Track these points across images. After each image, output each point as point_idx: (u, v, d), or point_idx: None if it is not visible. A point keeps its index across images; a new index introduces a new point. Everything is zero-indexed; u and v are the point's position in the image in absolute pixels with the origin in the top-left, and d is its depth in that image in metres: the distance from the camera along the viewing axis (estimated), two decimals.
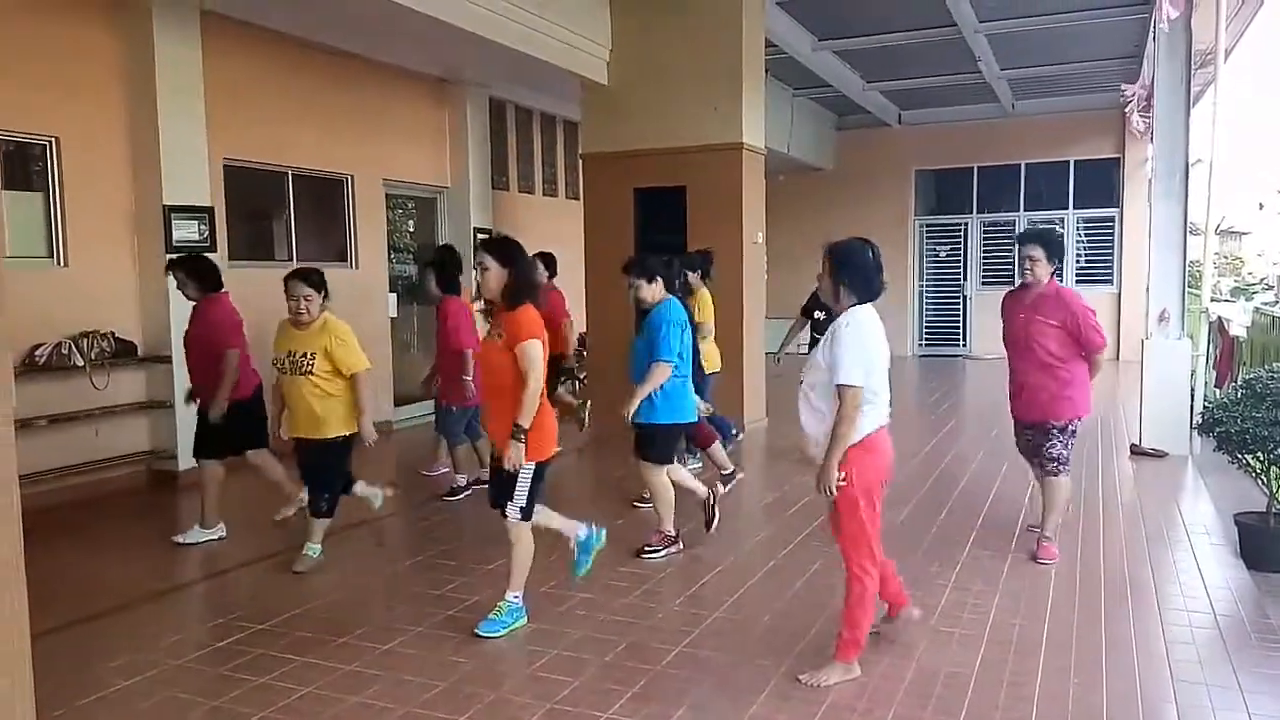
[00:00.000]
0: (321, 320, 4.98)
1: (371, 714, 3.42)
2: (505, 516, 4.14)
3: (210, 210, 7.39)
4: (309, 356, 4.88)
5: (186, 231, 7.18)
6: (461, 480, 6.70)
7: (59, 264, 6.76)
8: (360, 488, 5.46)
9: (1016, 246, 5.13)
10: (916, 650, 3.90)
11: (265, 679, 3.73)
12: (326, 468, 5.12)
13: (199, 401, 5.59)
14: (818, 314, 7.45)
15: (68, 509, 6.34)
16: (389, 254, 10.02)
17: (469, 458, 6.83)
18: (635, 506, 6.20)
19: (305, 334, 4.94)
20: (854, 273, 3.57)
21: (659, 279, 5.28)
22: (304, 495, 5.40)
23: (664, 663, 3.83)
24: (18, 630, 2.98)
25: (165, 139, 7.04)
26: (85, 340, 6.68)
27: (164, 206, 7.05)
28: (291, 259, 8.73)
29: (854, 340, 3.46)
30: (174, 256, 5.75)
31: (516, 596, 4.23)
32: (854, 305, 3.56)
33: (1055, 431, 5.03)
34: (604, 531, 4.63)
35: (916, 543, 5.41)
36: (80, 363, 6.62)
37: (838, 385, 3.44)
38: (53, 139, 6.68)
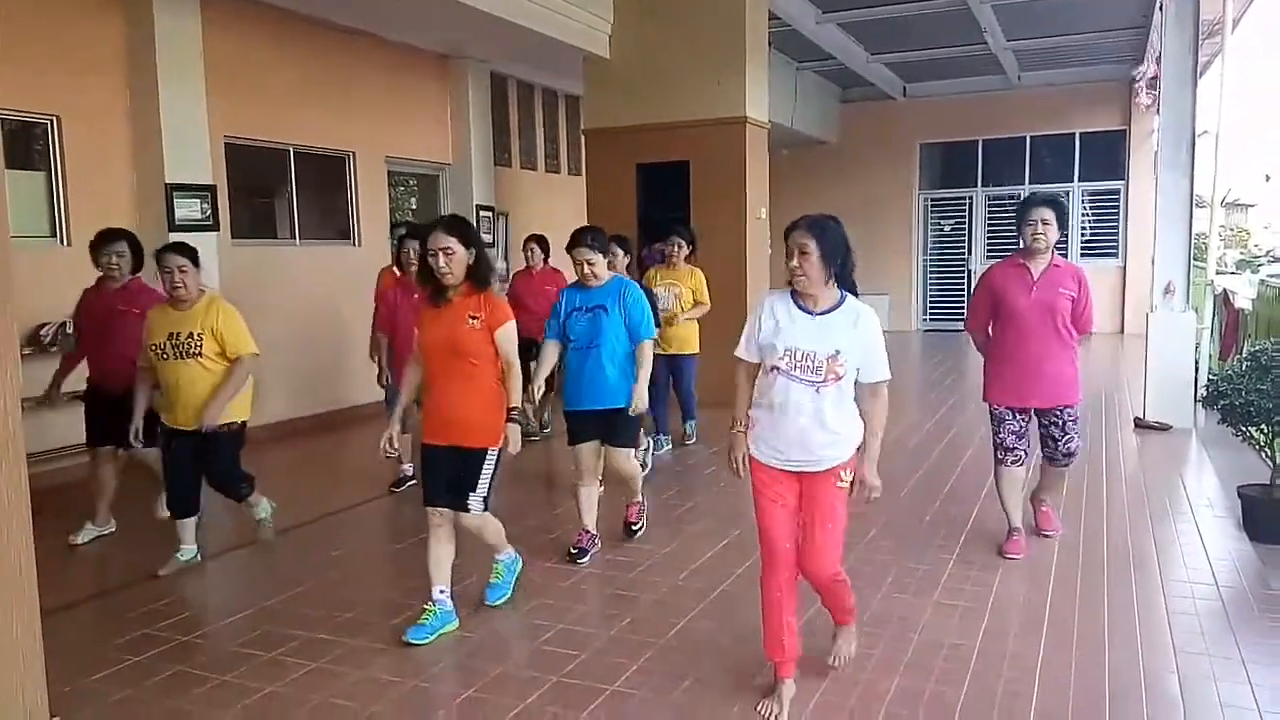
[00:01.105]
0: (206, 298, 4.63)
1: (379, 688, 3.46)
2: (467, 511, 3.90)
3: (212, 188, 7.38)
4: (195, 337, 4.52)
5: (188, 210, 7.18)
6: (409, 470, 6.24)
7: (62, 243, 6.76)
8: (254, 497, 5.03)
9: (1023, 210, 4.60)
10: (919, 623, 3.92)
11: (273, 654, 3.76)
12: (227, 458, 4.74)
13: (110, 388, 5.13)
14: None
15: (75, 487, 6.36)
16: (391, 231, 10.00)
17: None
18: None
19: (187, 314, 4.56)
20: (846, 253, 3.14)
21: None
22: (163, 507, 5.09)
23: (669, 636, 3.86)
24: (28, 606, 3.02)
25: (166, 117, 7.01)
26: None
27: (166, 185, 7.04)
28: (294, 237, 8.73)
29: (880, 332, 3.22)
30: (112, 229, 5.39)
31: (507, 552, 4.25)
32: (844, 295, 3.19)
33: (1073, 422, 4.73)
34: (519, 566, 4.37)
35: (919, 517, 5.44)
36: None
37: (882, 382, 3.22)
38: (54, 117, 6.66)
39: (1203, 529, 5.18)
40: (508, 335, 3.87)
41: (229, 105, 7.70)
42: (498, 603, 4.15)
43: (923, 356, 13.25)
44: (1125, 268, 15.22)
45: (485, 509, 3.96)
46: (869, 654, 3.64)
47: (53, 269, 6.61)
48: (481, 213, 10.62)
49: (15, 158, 6.66)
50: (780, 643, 3.24)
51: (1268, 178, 37.99)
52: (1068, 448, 4.76)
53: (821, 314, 3.15)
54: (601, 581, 4.51)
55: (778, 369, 3.14)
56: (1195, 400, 7.64)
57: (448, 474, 3.89)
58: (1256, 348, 5.41)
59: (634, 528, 5.16)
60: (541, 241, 7.92)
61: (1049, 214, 4.53)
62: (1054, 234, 4.55)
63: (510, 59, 10.93)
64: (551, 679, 3.48)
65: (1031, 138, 15.73)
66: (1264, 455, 5.25)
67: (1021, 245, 4.66)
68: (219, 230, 7.47)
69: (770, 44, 10.03)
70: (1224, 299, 9.46)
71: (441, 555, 3.95)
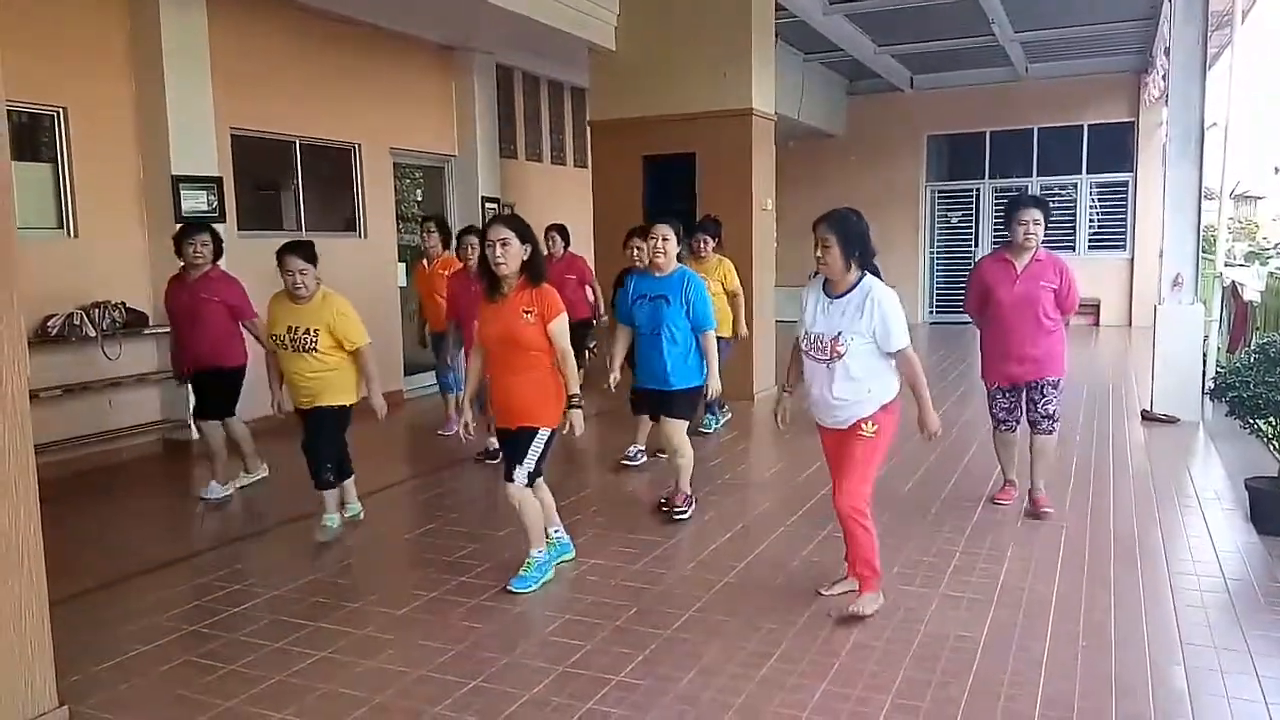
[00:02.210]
0: (320, 294, 4.90)
1: (386, 678, 3.47)
2: (512, 480, 4.17)
3: (218, 180, 7.39)
4: (312, 333, 4.83)
5: (195, 201, 7.19)
6: (494, 442, 6.32)
7: (69, 235, 6.77)
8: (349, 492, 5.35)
9: (1013, 210, 5.07)
10: (925, 614, 3.92)
11: (280, 643, 3.78)
12: (329, 439, 5.04)
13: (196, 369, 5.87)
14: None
15: (83, 478, 6.40)
16: (397, 223, 10.00)
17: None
18: (624, 465, 6.48)
19: (305, 308, 4.86)
20: (864, 243, 3.74)
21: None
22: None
23: (675, 626, 3.86)
24: (36, 596, 3.03)
25: (172, 109, 7.02)
26: (96, 310, 6.71)
27: (172, 176, 7.05)
28: (300, 229, 8.72)
29: (898, 307, 3.73)
30: (190, 220, 5.99)
31: (540, 551, 4.35)
32: (864, 274, 3.76)
33: (1051, 388, 5.16)
34: (563, 556, 4.58)
35: (926, 508, 5.43)
36: (92, 333, 6.65)
37: (900, 350, 3.74)
38: (61, 109, 6.67)
39: (1210, 521, 5.17)
40: (561, 328, 4.11)
41: (235, 97, 7.70)
42: (517, 590, 4.22)
43: (929, 349, 13.22)
44: (1133, 260, 15.16)
45: (530, 483, 4.20)
46: (874, 645, 3.64)
47: (59, 260, 6.64)
48: (487, 204, 10.62)
49: (22, 149, 6.67)
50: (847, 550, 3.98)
51: (1277, 170, 37.75)
52: (1046, 409, 5.19)
53: (838, 298, 3.77)
54: (608, 572, 4.51)
55: (804, 351, 3.87)
56: (1203, 393, 7.62)
57: (510, 446, 4.25)
58: (1265, 340, 5.40)
59: (678, 512, 5.25)
60: (562, 230, 8.29)
61: (1039, 214, 4.99)
62: (1042, 232, 5.02)
63: (516, 51, 10.91)
64: (558, 669, 3.49)
65: (1039, 130, 15.67)
66: (1272, 448, 5.24)
67: (1011, 241, 5.07)
68: (225, 222, 7.47)
69: (777, 35, 10.00)
70: (1232, 291, 9.42)
71: (535, 517, 4.30)
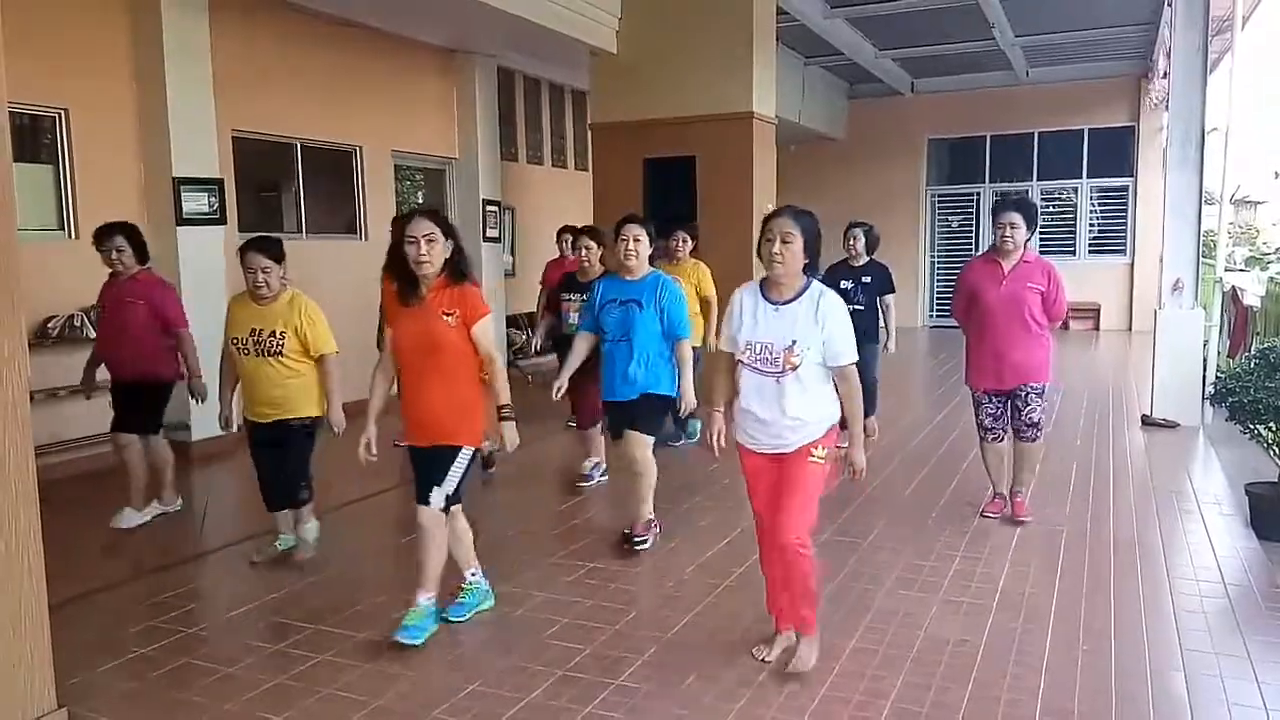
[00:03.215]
0: (288, 295, 4.54)
1: (384, 680, 3.46)
2: (427, 504, 3.72)
3: (220, 182, 7.39)
4: (278, 336, 4.46)
5: (196, 203, 7.19)
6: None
7: (70, 236, 6.77)
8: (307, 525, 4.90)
9: (994, 213, 5.10)
10: (924, 619, 3.92)
11: (280, 646, 3.78)
12: (299, 455, 4.67)
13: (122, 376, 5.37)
14: (845, 283, 6.78)
15: (83, 480, 6.39)
16: None
17: None
18: (579, 487, 6.05)
19: (269, 310, 4.49)
20: (820, 244, 3.39)
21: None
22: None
23: (674, 631, 3.86)
24: (36, 598, 3.03)
25: (174, 111, 7.02)
26: (97, 312, 6.69)
27: (173, 178, 7.05)
28: (301, 230, 8.74)
29: (848, 317, 3.38)
30: (111, 223, 5.44)
31: (475, 574, 4.03)
32: (810, 280, 3.40)
33: (1036, 395, 5.06)
34: (482, 605, 4.04)
35: (925, 513, 5.43)
36: (92, 335, 6.63)
37: (846, 366, 3.34)
38: (62, 111, 6.68)
39: (1210, 527, 5.16)
40: (485, 330, 3.73)
41: (236, 99, 7.71)
42: (457, 619, 3.91)
43: (929, 352, 13.23)
44: (1133, 264, 15.16)
45: (446, 509, 3.77)
46: (874, 650, 3.63)
47: (60, 262, 6.63)
48: (488, 207, 10.63)
49: (23, 151, 6.68)
50: (773, 600, 3.61)
51: (1277, 174, 37.74)
52: (1030, 418, 5.09)
53: (785, 304, 3.35)
54: (606, 576, 4.51)
55: (742, 363, 3.40)
56: (1203, 398, 7.61)
57: (427, 463, 3.79)
58: (1265, 345, 5.41)
59: (638, 540, 4.83)
60: (574, 231, 8.02)
61: (1017, 217, 4.96)
62: (1021, 235, 4.98)
63: (517, 53, 10.92)
64: (556, 673, 3.48)
65: (1039, 134, 15.67)
66: (1272, 453, 5.23)
67: (995, 243, 5.08)
68: (226, 224, 7.48)
69: (778, 39, 10.01)
70: (1233, 296, 9.42)
71: (442, 548, 3.82)
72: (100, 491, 6.25)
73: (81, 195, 6.78)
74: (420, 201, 10.91)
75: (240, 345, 4.49)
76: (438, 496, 3.72)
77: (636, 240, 4.83)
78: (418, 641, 3.65)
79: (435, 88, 10.27)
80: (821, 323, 3.30)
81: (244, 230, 7.86)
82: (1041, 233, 5.20)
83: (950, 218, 16.69)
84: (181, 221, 7.09)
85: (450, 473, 3.74)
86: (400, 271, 3.67)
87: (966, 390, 5.34)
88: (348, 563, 4.84)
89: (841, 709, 3.20)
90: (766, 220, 3.38)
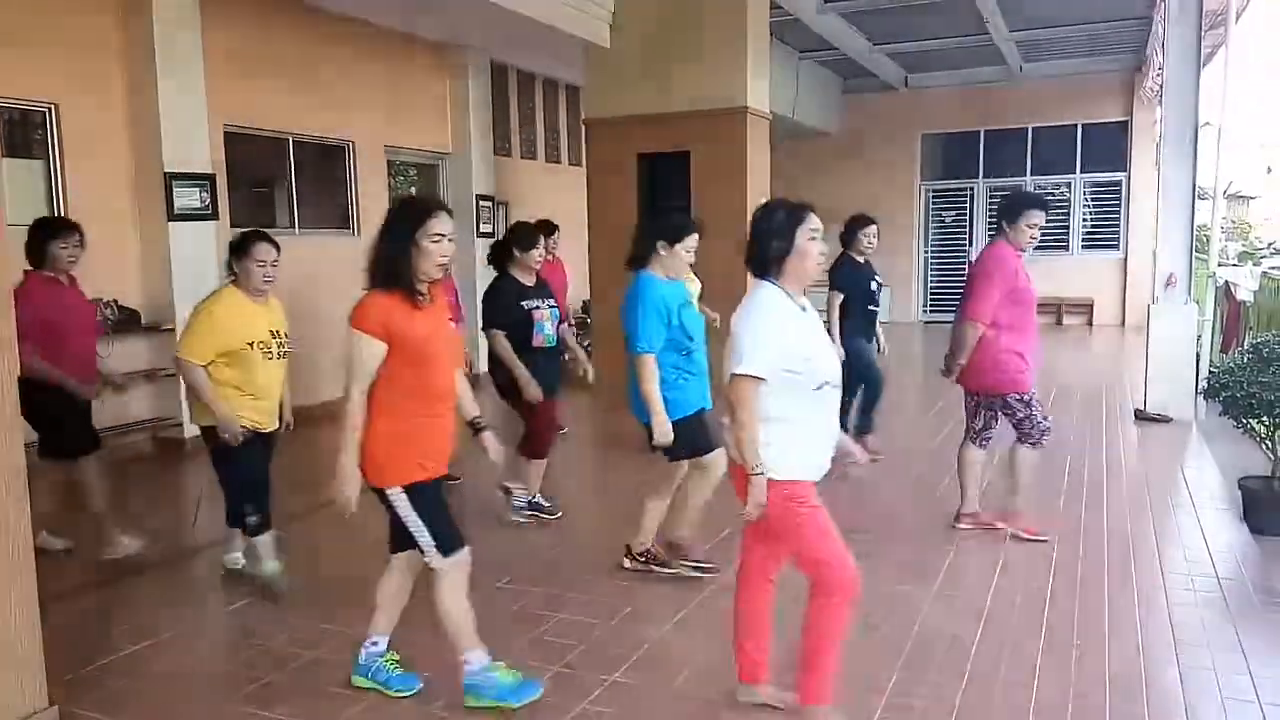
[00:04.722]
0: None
1: None
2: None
3: (211, 177, 7.35)
4: (287, 336, 4.22)
5: (188, 199, 7.16)
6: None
7: None
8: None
9: (1025, 210, 4.67)
10: (920, 614, 3.92)
11: (272, 643, 3.76)
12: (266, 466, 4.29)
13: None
14: (874, 283, 6.41)
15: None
16: None
17: None
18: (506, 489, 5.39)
19: (271, 308, 4.20)
20: None
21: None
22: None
23: (669, 626, 3.85)
24: (27, 596, 3.01)
25: (165, 105, 6.99)
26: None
27: (165, 173, 7.02)
28: (293, 226, 8.71)
29: None
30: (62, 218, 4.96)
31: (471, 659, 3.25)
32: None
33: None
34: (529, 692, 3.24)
35: (920, 509, 5.43)
36: None
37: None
38: (52, 105, 6.64)
39: (1204, 521, 5.18)
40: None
41: (228, 93, 7.67)
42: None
43: (924, 348, 13.24)
44: (1127, 259, 15.18)
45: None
46: (869, 645, 3.63)
47: None
48: (481, 202, 10.60)
49: (13, 145, 6.64)
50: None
51: (1269, 170, 37.89)
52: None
53: (806, 309, 2.95)
54: (599, 572, 4.50)
55: (829, 382, 2.87)
56: (1196, 392, 7.63)
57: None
58: (1258, 340, 5.41)
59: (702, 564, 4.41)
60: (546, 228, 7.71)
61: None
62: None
63: (511, 48, 10.88)
64: (551, 669, 3.47)
65: (1033, 129, 15.69)
66: (1265, 447, 5.25)
67: (1019, 242, 4.71)
68: (218, 219, 7.45)
69: (772, 33, 9.98)
70: (1226, 291, 9.44)
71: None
72: None
73: (72, 190, 6.74)
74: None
75: (265, 349, 4.08)
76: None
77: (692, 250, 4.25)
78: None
79: (428, 82, 10.24)
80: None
81: (236, 226, 7.83)
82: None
83: (944, 213, 16.69)
84: (173, 217, 7.06)
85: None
86: (409, 274, 3.05)
87: (960, 386, 5.12)
88: (339, 560, 4.82)
89: (836, 705, 3.19)
90: (801, 217, 2.91)
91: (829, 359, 2.91)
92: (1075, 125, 15.45)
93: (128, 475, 6.61)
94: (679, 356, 4.17)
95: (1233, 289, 9.58)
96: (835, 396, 2.93)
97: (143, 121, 7.04)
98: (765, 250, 2.90)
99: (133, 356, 7.08)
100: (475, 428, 3.34)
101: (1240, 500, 5.27)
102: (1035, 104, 15.35)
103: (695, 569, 4.37)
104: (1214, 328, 9.09)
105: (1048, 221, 4.88)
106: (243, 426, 4.06)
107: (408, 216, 3.10)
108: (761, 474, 2.77)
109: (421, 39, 9.94)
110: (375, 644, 3.35)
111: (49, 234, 4.71)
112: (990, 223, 15.99)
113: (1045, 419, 4.77)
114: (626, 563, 4.45)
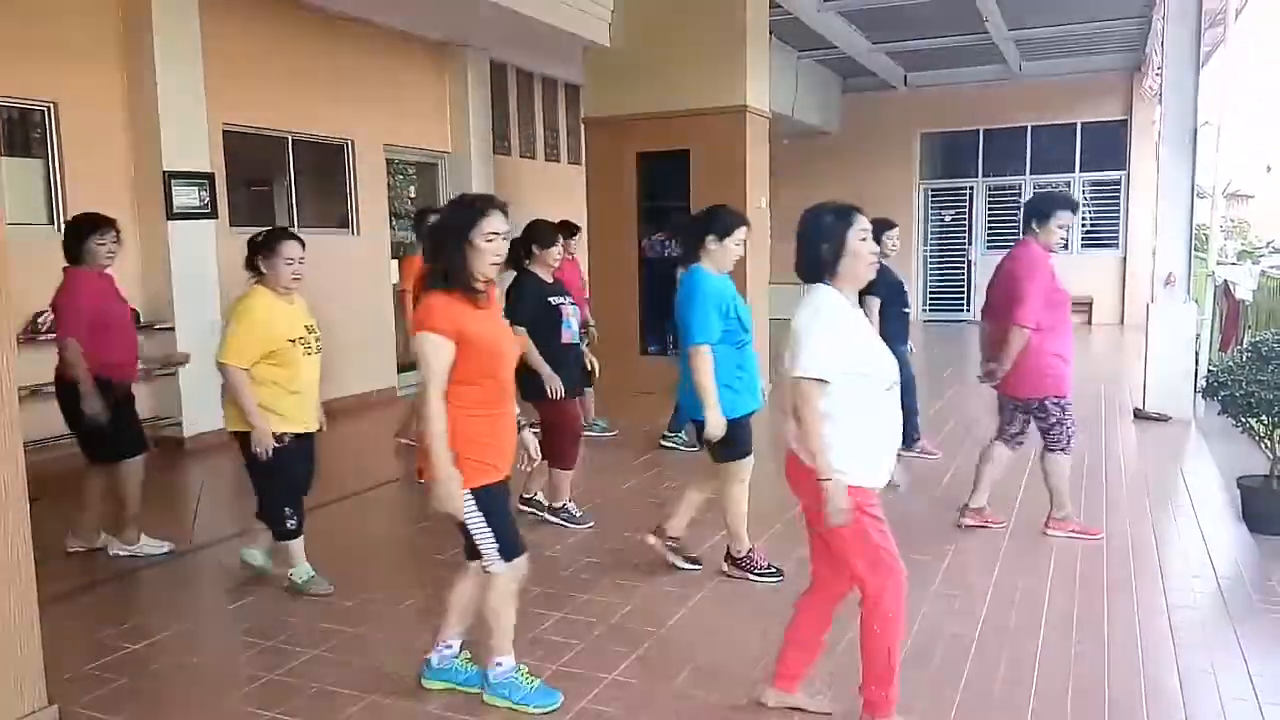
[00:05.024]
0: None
1: (379, 676, 3.45)
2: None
3: (210, 176, 7.35)
4: (318, 333, 4.22)
5: (187, 197, 7.15)
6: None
7: (60, 231, 6.71)
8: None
9: (1055, 209, 4.68)
10: (919, 613, 3.92)
11: (271, 642, 3.76)
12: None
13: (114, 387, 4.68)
14: (905, 287, 6.35)
15: (74, 475, 6.35)
16: (391, 220, 9.97)
17: None
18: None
19: (299, 306, 4.18)
20: None
21: None
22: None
23: (669, 625, 3.86)
24: (26, 596, 3.01)
25: (164, 104, 6.98)
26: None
27: (164, 172, 7.01)
28: (293, 225, 8.69)
29: None
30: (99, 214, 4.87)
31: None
32: None
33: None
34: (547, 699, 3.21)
35: (919, 507, 5.43)
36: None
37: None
38: (51, 104, 6.63)
39: (1202, 520, 5.18)
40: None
41: (227, 92, 7.66)
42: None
43: (924, 347, 13.23)
44: (1125, 258, 15.19)
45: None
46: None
47: (50, 257, 6.56)
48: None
49: (12, 145, 6.64)
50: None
51: (1269, 169, 37.91)
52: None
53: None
54: (600, 570, 4.50)
55: (893, 384, 2.84)
56: (1195, 391, 7.63)
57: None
58: (1257, 339, 5.42)
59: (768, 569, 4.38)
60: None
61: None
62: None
63: (510, 47, 10.88)
64: (550, 667, 3.47)
65: (1033, 127, 15.68)
66: (1264, 446, 5.25)
67: (1049, 243, 4.70)
68: (217, 218, 7.45)
69: (771, 32, 9.99)
70: (1225, 290, 9.45)
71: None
72: None
73: (71, 189, 6.73)
74: (413, 196, 10.88)
75: (305, 345, 4.08)
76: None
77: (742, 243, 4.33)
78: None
79: (428, 81, 10.23)
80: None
81: (235, 225, 7.83)
82: None
83: (943, 212, 16.69)
84: (172, 216, 7.06)
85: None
86: (468, 272, 3.00)
87: (961, 384, 5.22)
88: (339, 559, 4.82)
89: (836, 704, 3.19)
90: (853, 218, 2.89)
91: (890, 361, 2.86)
92: (1074, 124, 15.44)
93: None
94: (735, 351, 4.16)
95: (1231, 288, 9.60)
96: (896, 400, 2.88)
97: (142, 120, 7.03)
98: (816, 255, 2.84)
99: None
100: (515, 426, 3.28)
101: (1239, 499, 5.27)
102: (1034, 103, 15.34)
103: (689, 561, 4.46)
104: (1213, 326, 9.10)
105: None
106: (280, 434, 4.03)
107: (461, 216, 3.06)
108: (832, 479, 2.70)
109: (421, 38, 9.93)
110: (449, 647, 3.34)
111: (88, 230, 4.71)
112: (989, 222, 16.07)
113: (1074, 424, 4.78)
114: (725, 567, 4.40)
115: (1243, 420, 5.26)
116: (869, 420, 2.79)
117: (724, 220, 4.28)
